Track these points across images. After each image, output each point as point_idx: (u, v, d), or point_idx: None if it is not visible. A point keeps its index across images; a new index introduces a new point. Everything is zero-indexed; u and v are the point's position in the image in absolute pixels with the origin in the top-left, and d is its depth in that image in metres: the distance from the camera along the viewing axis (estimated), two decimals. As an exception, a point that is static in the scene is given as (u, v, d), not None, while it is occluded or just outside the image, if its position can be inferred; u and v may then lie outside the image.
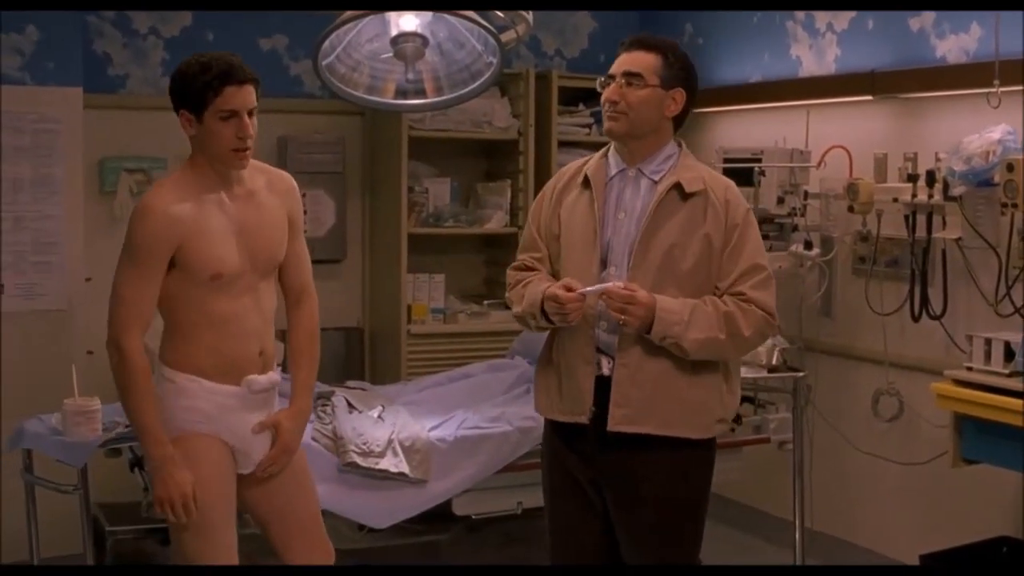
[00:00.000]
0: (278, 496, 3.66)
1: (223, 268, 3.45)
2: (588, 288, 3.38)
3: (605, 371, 3.45)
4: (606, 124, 3.50)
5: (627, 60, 3.49)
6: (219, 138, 3.42)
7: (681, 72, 3.48)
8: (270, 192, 3.60)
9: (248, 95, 3.43)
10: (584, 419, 3.46)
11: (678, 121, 3.52)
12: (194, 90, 3.39)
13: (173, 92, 3.46)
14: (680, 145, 3.56)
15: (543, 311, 3.44)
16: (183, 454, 3.47)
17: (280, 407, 3.69)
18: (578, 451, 3.53)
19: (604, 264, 3.47)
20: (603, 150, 3.60)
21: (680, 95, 3.48)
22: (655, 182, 3.47)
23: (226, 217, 3.49)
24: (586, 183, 3.53)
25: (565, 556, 3.65)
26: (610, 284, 3.36)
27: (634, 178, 3.50)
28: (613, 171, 3.53)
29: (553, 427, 3.61)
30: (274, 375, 3.64)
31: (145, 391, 3.45)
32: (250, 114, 3.44)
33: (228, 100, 3.39)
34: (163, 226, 3.41)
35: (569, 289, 3.38)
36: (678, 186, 3.43)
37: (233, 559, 3.56)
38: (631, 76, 3.46)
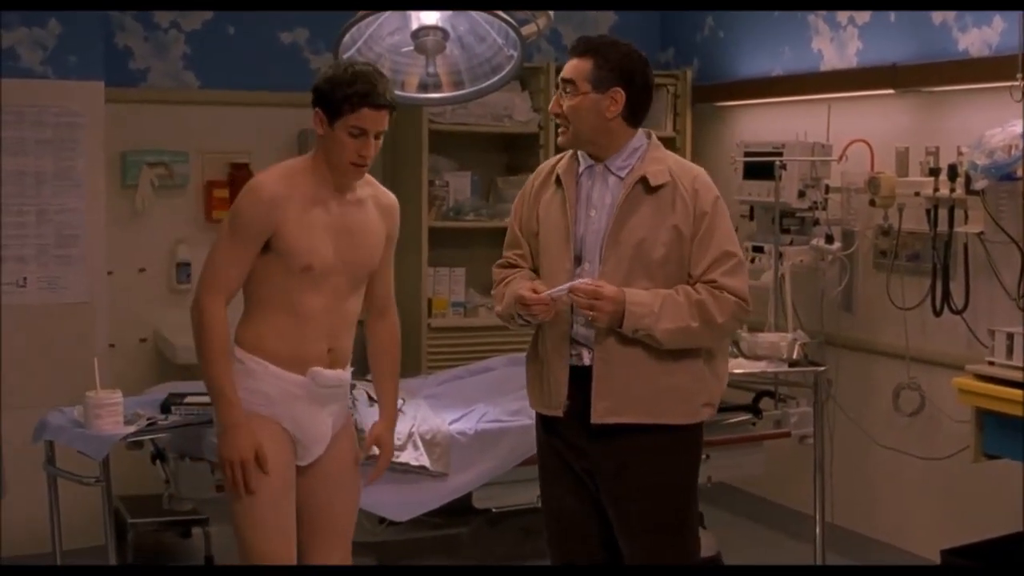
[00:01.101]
0: (323, 491, 3.69)
1: (315, 261, 3.51)
2: (553, 290, 3.43)
3: (586, 361, 3.49)
4: (558, 138, 3.57)
5: (566, 67, 3.53)
6: (342, 149, 3.49)
7: (615, 72, 3.46)
8: (375, 205, 3.68)
9: (382, 119, 3.49)
10: (559, 413, 3.52)
11: (631, 118, 3.52)
12: (336, 98, 3.46)
13: (317, 90, 3.53)
14: (649, 136, 3.58)
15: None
16: None
17: (345, 405, 3.75)
18: (569, 442, 3.57)
19: (579, 261, 3.52)
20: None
21: (619, 94, 3.46)
22: (622, 178, 3.50)
23: (330, 216, 3.55)
24: (559, 181, 3.57)
25: (562, 544, 3.68)
26: (577, 282, 3.40)
27: (602, 174, 3.53)
28: (582, 168, 3.56)
29: (542, 419, 3.66)
30: (343, 373, 3.67)
31: (220, 352, 3.51)
32: (377, 136, 3.50)
33: (362, 119, 3.46)
34: (264, 206, 3.49)
35: (535, 291, 3.44)
36: (643, 179, 3.46)
37: (287, 545, 3.59)
38: (566, 83, 3.51)
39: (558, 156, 3.68)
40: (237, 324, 3.63)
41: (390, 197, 3.75)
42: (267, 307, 3.57)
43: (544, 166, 3.70)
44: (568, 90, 3.49)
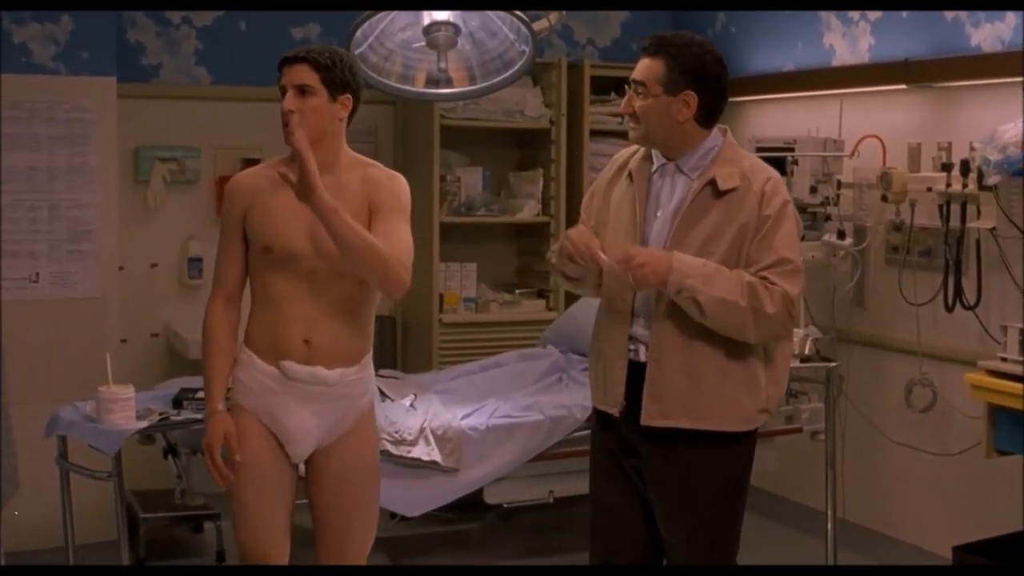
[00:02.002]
0: (331, 495, 3.63)
1: (273, 243, 3.49)
2: (602, 257, 3.36)
3: (643, 357, 3.42)
4: (629, 133, 3.51)
5: (638, 67, 3.43)
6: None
7: (688, 74, 3.37)
8: (361, 185, 3.57)
9: (296, 72, 3.45)
10: (615, 411, 3.47)
11: (705, 120, 3.43)
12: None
13: None
14: (725, 134, 3.50)
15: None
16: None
17: (350, 408, 3.63)
18: (621, 438, 3.52)
19: None
20: None
21: (691, 97, 3.38)
22: (693, 179, 3.42)
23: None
24: (631, 177, 3.51)
25: (606, 541, 3.63)
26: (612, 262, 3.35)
27: (673, 173, 3.46)
28: (655, 166, 3.49)
29: (598, 415, 3.61)
30: (324, 371, 3.54)
31: (207, 348, 3.59)
32: (303, 92, 3.44)
33: (283, 77, 3.48)
34: (232, 197, 3.58)
35: (589, 247, 3.39)
36: (712, 182, 3.39)
37: (274, 541, 3.56)
38: (638, 84, 3.42)
39: (633, 148, 3.59)
40: None
41: (381, 171, 3.63)
42: (253, 297, 3.61)
43: (619, 156, 3.62)
44: (639, 91, 3.40)
